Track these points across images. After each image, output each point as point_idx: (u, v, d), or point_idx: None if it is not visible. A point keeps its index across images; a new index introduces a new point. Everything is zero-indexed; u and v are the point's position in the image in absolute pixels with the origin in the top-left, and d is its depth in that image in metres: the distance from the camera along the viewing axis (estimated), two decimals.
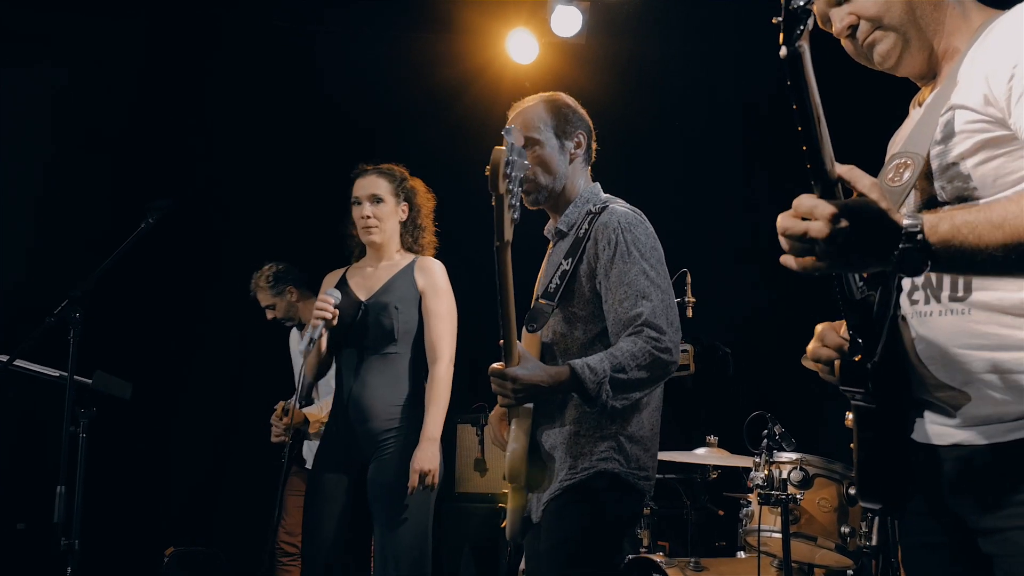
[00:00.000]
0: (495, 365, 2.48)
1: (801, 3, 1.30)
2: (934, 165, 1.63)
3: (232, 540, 5.71)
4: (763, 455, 3.83)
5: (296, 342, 5.10)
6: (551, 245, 2.84)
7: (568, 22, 5.78)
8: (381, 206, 3.76)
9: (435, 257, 3.88)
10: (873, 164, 1.70)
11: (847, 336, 1.65)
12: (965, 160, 1.59)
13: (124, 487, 5.54)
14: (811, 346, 1.74)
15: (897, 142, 1.86)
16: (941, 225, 1.41)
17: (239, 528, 5.72)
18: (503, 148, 2.18)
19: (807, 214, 1.41)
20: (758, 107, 5.74)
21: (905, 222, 1.41)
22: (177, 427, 6.03)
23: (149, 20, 5.65)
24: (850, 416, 1.70)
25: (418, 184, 3.88)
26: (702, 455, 4.44)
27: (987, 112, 1.56)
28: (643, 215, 2.69)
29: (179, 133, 5.97)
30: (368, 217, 3.74)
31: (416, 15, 5.90)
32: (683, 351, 4.89)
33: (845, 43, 1.84)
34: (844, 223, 1.38)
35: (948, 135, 1.62)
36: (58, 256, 5.21)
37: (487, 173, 2.25)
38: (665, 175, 5.92)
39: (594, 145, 2.86)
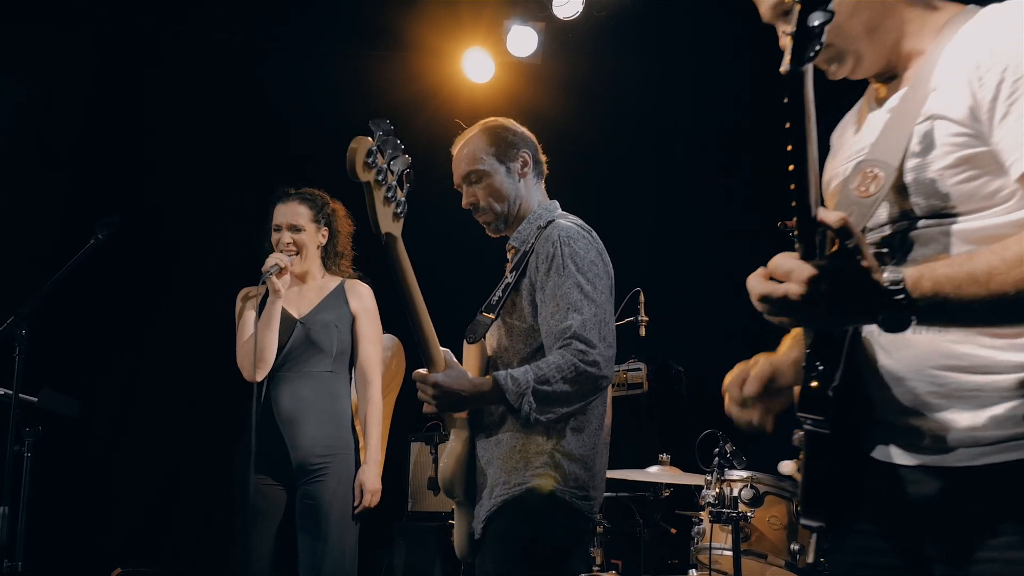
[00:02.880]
0: (419, 370, 2.50)
1: (817, 23, 1.24)
2: (908, 178, 1.55)
3: (181, 561, 5.62)
4: (714, 473, 3.86)
5: None
6: (508, 263, 2.85)
7: (524, 42, 5.83)
8: (301, 234, 3.77)
9: (373, 277, 3.90)
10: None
11: (749, 392, 1.67)
12: (945, 176, 1.51)
13: (71, 507, 5.43)
14: (726, 404, 1.73)
15: (849, 143, 1.78)
16: (923, 282, 1.36)
17: (188, 549, 5.64)
18: (364, 137, 2.12)
19: (784, 276, 1.36)
20: (713, 127, 5.81)
21: (887, 280, 1.35)
22: (126, 446, 5.93)
23: (97, 35, 5.59)
24: (799, 434, 1.68)
25: (339, 208, 3.90)
26: (655, 473, 4.46)
27: (972, 126, 1.48)
28: (590, 231, 2.69)
29: (127, 149, 5.90)
30: (289, 244, 3.75)
31: (369, 33, 5.91)
32: (636, 370, 4.93)
33: None
34: (825, 286, 1.33)
35: (927, 148, 1.53)
36: (4, 272, 5.12)
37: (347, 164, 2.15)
38: (620, 194, 5.97)
39: (543, 159, 2.87)
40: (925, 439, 1.54)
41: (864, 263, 1.35)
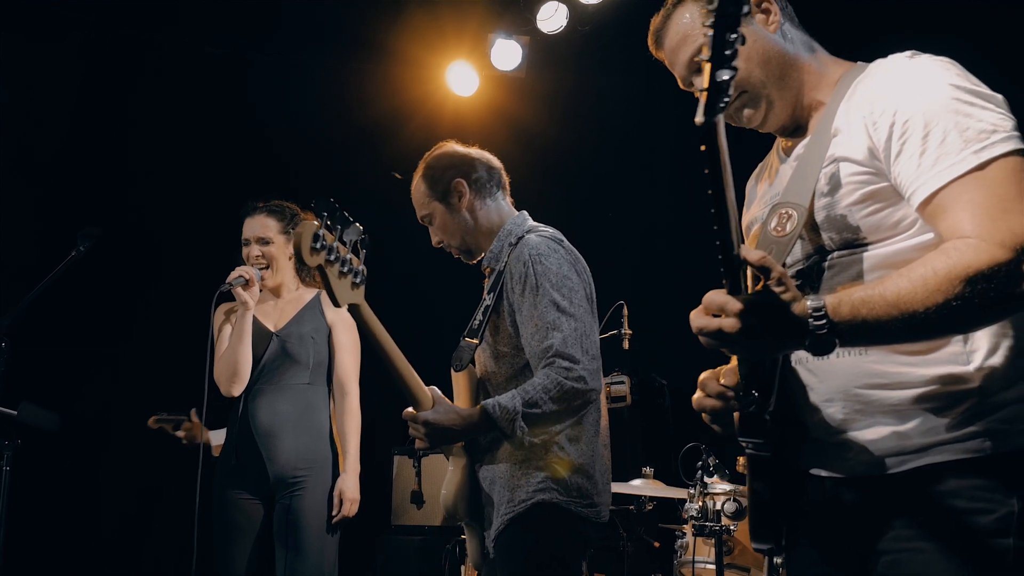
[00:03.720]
0: (408, 410, 2.52)
1: (726, 77, 1.34)
2: (819, 217, 1.70)
3: (160, 575, 5.57)
4: (697, 486, 3.87)
5: None
6: (485, 280, 2.86)
7: (508, 56, 5.84)
8: (270, 247, 3.75)
9: None
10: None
11: (727, 383, 1.72)
12: (853, 211, 1.66)
13: (50, 522, 5.38)
14: (696, 396, 1.79)
15: (762, 192, 1.96)
16: (842, 307, 1.48)
17: (168, 562, 5.58)
18: (308, 222, 2.16)
19: (718, 311, 1.49)
20: (696, 142, 5.83)
21: (810, 308, 1.47)
22: (105, 459, 5.88)
23: (82, 44, 5.57)
24: (742, 461, 1.74)
25: (310, 219, 3.89)
26: (638, 486, 4.46)
27: (872, 165, 1.65)
28: (561, 241, 2.68)
29: (110, 160, 5.87)
30: (259, 257, 3.74)
31: (354, 45, 5.90)
32: (620, 383, 4.93)
33: None
34: (753, 318, 1.46)
35: (834, 187, 1.69)
36: None
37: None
38: (603, 207, 5.98)
39: (497, 168, 2.84)
40: (853, 454, 1.66)
41: (786, 295, 1.48)
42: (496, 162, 2.87)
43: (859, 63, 1.86)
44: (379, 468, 3.67)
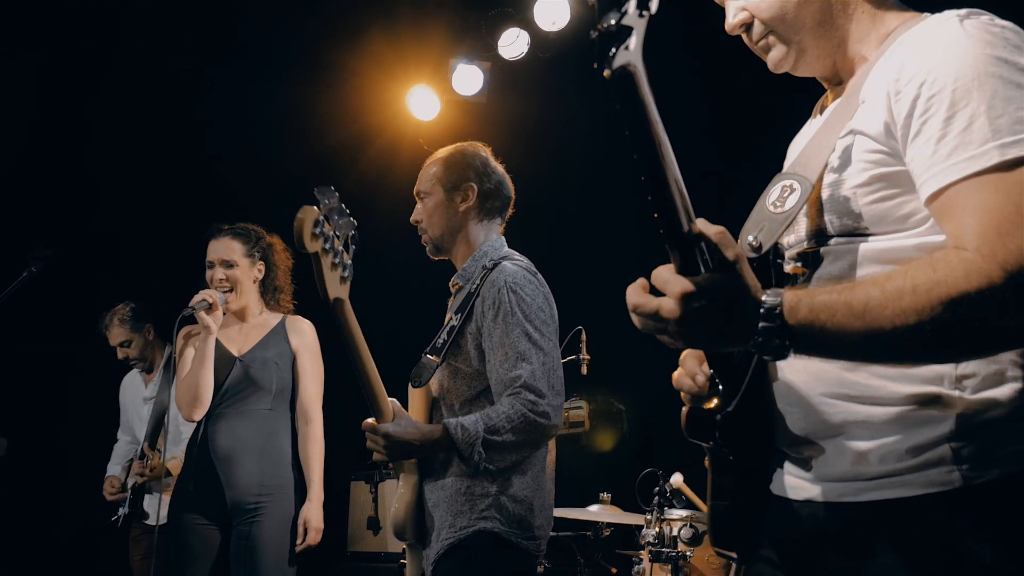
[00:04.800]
0: (368, 420, 2.50)
1: (613, 23, 1.10)
2: (825, 194, 1.48)
3: None
4: (654, 512, 3.87)
5: (138, 386, 5.00)
6: (451, 297, 2.84)
7: (469, 81, 5.87)
8: (234, 270, 3.72)
9: (309, 314, 3.87)
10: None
11: (707, 371, 1.52)
12: (859, 194, 1.43)
13: None
14: (676, 373, 1.60)
15: (791, 154, 1.72)
16: (800, 308, 1.25)
17: None
18: (310, 207, 2.17)
19: (661, 289, 1.25)
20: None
21: (764, 304, 1.25)
22: (58, 484, 5.77)
23: (37, 61, 5.50)
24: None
25: (276, 242, 3.87)
26: (595, 512, 4.46)
27: (888, 144, 1.41)
28: (536, 274, 2.69)
29: (66, 180, 5.79)
30: (223, 280, 3.70)
31: (315, 69, 5.88)
32: (578, 408, 4.93)
33: (743, 35, 1.69)
34: (697, 303, 1.22)
35: (845, 163, 1.46)
36: None
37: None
38: (563, 231, 6.01)
39: (510, 210, 2.86)
40: (811, 472, 1.48)
41: (739, 282, 1.24)
42: (511, 193, 2.87)
43: (923, 15, 1.54)
44: (335, 494, 3.63)
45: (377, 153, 6.03)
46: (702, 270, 1.24)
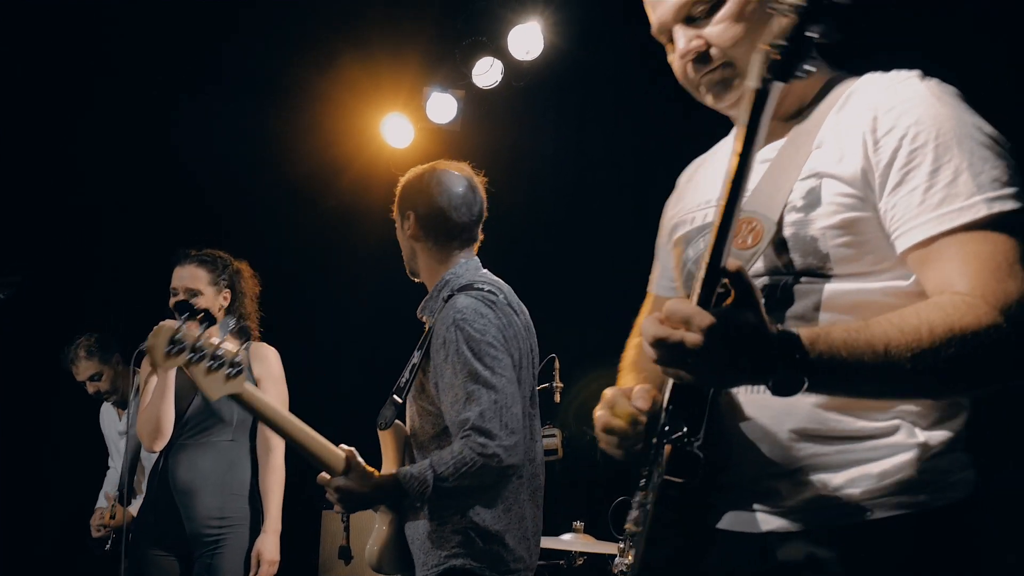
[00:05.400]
0: (321, 475, 2.49)
1: (816, 34, 1.12)
2: (787, 233, 1.51)
3: None
4: (627, 541, 3.85)
5: (113, 418, 4.91)
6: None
7: (443, 109, 5.90)
8: (199, 298, 3.67)
9: (282, 342, 3.84)
10: None
11: (640, 407, 1.54)
12: (827, 236, 1.48)
13: None
14: (601, 415, 1.60)
15: (704, 189, 1.74)
16: (818, 344, 1.29)
17: None
18: (162, 325, 2.17)
19: (682, 322, 1.26)
20: (629, 195, 5.92)
21: (785, 337, 1.29)
22: (41, 509, 5.69)
23: (10, 85, 5.46)
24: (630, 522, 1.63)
25: (244, 268, 3.84)
26: (568, 541, 4.43)
27: (862, 189, 1.47)
28: (494, 303, 2.57)
29: (31, 204, 5.73)
30: None
31: (288, 95, 5.88)
32: (551, 436, 4.92)
33: (676, 63, 1.70)
34: (722, 337, 1.24)
35: (812, 204, 1.49)
36: None
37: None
38: (537, 260, 6.02)
39: (472, 234, 2.75)
40: (778, 504, 1.50)
41: (759, 317, 1.28)
42: (469, 217, 2.72)
43: (841, 73, 1.65)
44: (306, 523, 3.59)
45: (351, 180, 6.02)
46: (712, 305, 1.28)
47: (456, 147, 6.11)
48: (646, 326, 1.30)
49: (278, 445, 3.70)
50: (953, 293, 1.36)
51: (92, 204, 5.81)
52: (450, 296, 2.59)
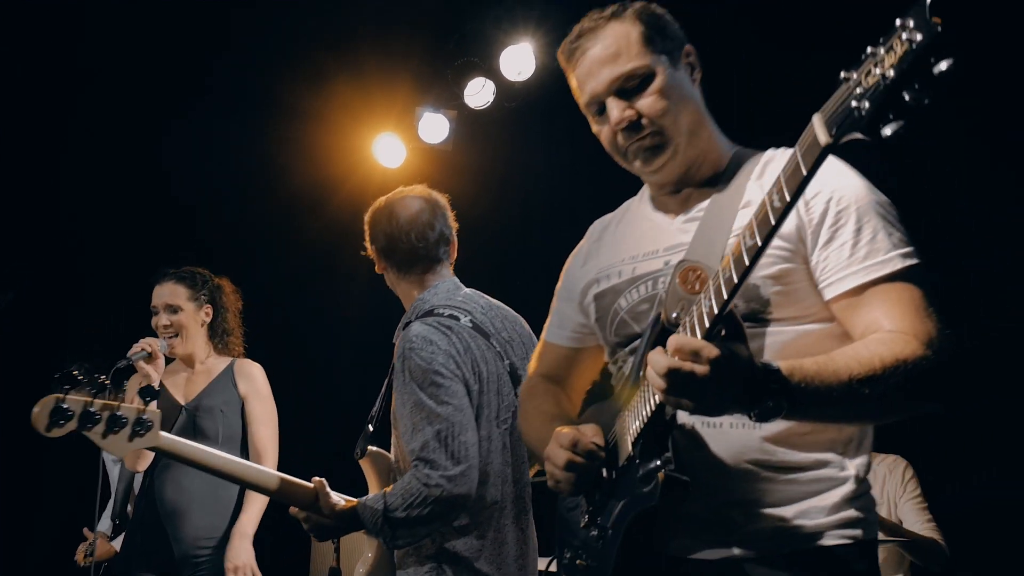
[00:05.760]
0: (292, 508, 2.53)
1: (916, 93, 1.10)
2: None
3: None
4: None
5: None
6: None
7: (435, 129, 5.91)
8: (179, 315, 3.67)
9: (272, 360, 3.82)
10: None
11: (598, 442, 1.67)
12: (767, 284, 1.66)
13: None
14: (557, 453, 1.71)
15: (625, 245, 1.94)
16: (796, 374, 1.46)
17: None
18: (44, 400, 2.17)
19: (691, 354, 1.39)
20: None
21: (773, 369, 1.45)
22: (32, 532, 5.65)
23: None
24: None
25: (225, 284, 3.82)
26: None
27: (795, 244, 1.66)
28: (445, 328, 2.51)
29: (22, 223, 5.72)
30: (168, 326, 3.65)
31: (280, 115, 5.88)
32: None
33: (606, 131, 1.85)
34: (726, 368, 1.39)
35: None
36: None
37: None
38: (526, 281, 6.01)
39: (439, 253, 2.72)
40: (735, 532, 1.63)
41: (748, 351, 1.44)
42: (424, 241, 2.69)
43: (740, 147, 1.88)
44: (297, 543, 3.56)
45: (343, 200, 6.02)
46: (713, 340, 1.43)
47: (448, 167, 6.12)
48: (656, 359, 1.43)
49: (270, 460, 3.64)
50: (887, 331, 1.57)
51: (82, 222, 5.80)
52: (407, 324, 2.58)
